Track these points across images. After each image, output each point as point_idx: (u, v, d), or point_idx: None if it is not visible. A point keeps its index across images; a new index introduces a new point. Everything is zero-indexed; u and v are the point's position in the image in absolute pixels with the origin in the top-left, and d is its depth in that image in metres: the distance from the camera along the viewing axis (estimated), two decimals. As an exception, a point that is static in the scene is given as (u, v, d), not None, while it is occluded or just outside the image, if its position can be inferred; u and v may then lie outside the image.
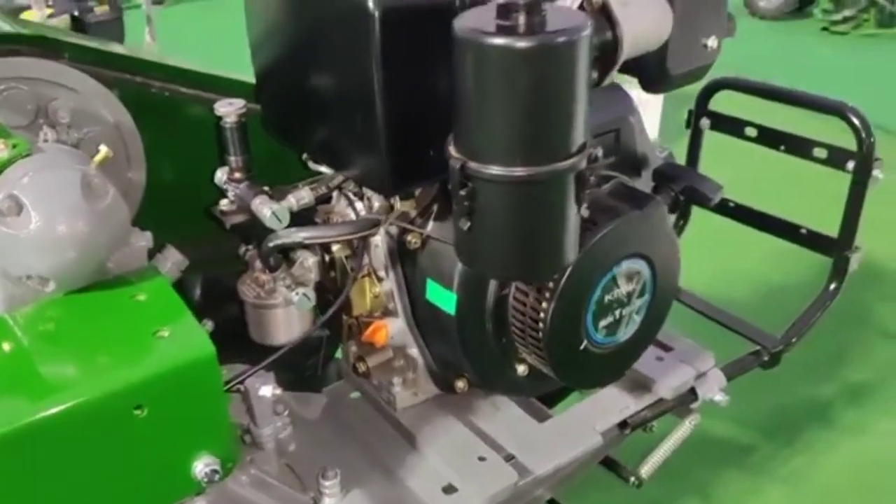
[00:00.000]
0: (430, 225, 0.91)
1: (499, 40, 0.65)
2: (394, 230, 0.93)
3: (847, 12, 5.63)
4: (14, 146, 0.77)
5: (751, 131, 1.35)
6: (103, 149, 0.80)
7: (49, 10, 2.76)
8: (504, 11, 0.66)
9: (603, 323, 0.92)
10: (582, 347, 0.91)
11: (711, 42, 0.96)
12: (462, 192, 0.72)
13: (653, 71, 0.94)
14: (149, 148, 0.95)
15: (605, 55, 0.79)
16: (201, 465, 0.71)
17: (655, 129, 3.55)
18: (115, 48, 1.05)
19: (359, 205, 0.93)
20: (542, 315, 0.86)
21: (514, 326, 0.90)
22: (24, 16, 2.76)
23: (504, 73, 0.66)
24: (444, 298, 0.90)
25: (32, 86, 0.87)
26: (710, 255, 2.02)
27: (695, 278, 1.69)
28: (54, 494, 0.67)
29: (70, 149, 0.82)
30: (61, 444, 0.65)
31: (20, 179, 0.73)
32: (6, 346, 0.75)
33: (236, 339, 0.96)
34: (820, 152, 1.27)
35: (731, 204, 1.39)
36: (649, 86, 0.96)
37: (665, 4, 0.84)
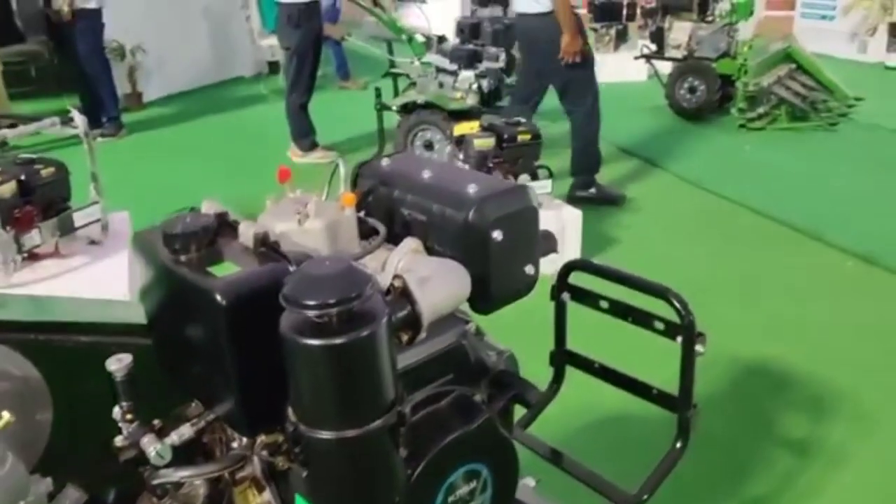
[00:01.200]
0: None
1: (313, 341, 0.83)
2: (264, 453, 1.08)
3: (761, 109, 6.06)
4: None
5: (604, 304, 1.55)
6: (5, 415, 0.96)
7: (-4, 179, 2.93)
8: (319, 315, 0.84)
9: (450, 520, 1.07)
10: (435, 543, 1.06)
11: (529, 269, 1.16)
12: (297, 449, 0.89)
13: (479, 299, 1.12)
14: (54, 392, 1.11)
15: (410, 325, 0.98)
16: None
17: (578, 245, 3.83)
18: (16, 308, 1.21)
19: (232, 436, 1.09)
20: (392, 523, 1.02)
21: (371, 532, 1.05)
22: (-30, 186, 2.93)
23: (320, 364, 0.84)
24: (309, 512, 1.05)
25: (-53, 360, 1.03)
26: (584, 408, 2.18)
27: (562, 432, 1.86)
28: None
29: (-24, 420, 0.97)
30: None
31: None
32: None
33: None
34: (658, 325, 1.46)
35: (597, 365, 1.58)
36: (477, 308, 1.15)
37: (461, 270, 1.04)
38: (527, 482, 1.45)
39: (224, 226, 1.07)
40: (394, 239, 1.16)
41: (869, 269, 3.72)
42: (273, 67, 9.17)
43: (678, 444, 1.44)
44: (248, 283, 0.95)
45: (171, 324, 1.06)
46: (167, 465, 1.04)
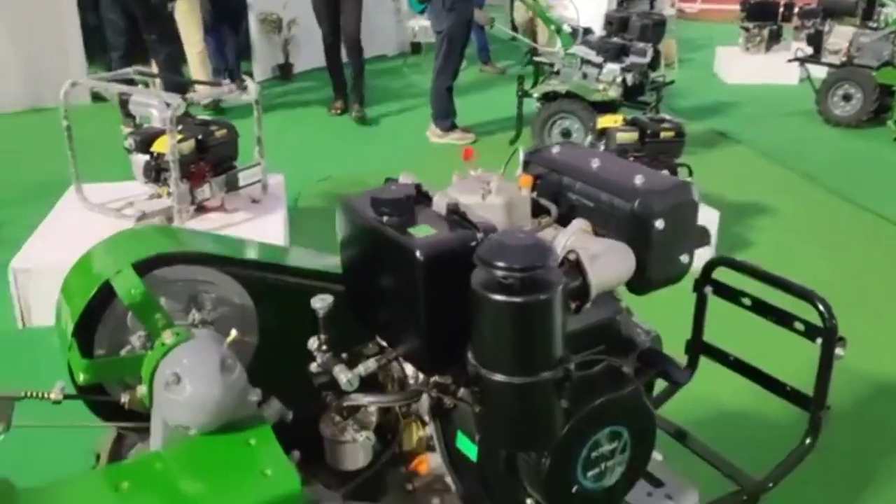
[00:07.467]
0: (461, 391, 1.22)
1: (500, 297, 0.98)
2: (434, 392, 1.25)
3: (921, 124, 5.72)
4: (177, 335, 1.14)
5: (746, 301, 1.61)
6: (234, 332, 1.17)
7: (180, 136, 3.28)
8: (505, 276, 0.98)
9: (591, 473, 1.19)
10: (574, 491, 1.19)
11: (684, 258, 1.26)
12: (475, 388, 1.04)
13: (636, 281, 1.23)
14: (262, 320, 1.31)
15: (580, 295, 1.10)
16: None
17: (713, 244, 3.80)
18: (244, 249, 1.43)
19: (409, 371, 1.26)
20: (541, 468, 1.16)
21: (521, 473, 1.20)
22: (159, 142, 3.30)
23: (503, 318, 0.99)
24: (468, 448, 1.21)
25: (188, 284, 1.25)
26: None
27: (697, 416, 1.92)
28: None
29: (212, 333, 1.18)
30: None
31: (181, 360, 1.09)
32: (160, 471, 1.09)
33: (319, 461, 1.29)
34: (799, 325, 1.52)
35: (732, 358, 1.66)
36: (632, 289, 1.26)
37: (628, 252, 1.15)
38: (655, 455, 1.55)
39: (419, 194, 1.24)
40: (560, 220, 1.29)
41: None
42: (415, 48, 9.45)
43: (808, 441, 1.50)
44: (443, 245, 1.11)
45: (368, 274, 1.24)
46: (354, 392, 1.22)
